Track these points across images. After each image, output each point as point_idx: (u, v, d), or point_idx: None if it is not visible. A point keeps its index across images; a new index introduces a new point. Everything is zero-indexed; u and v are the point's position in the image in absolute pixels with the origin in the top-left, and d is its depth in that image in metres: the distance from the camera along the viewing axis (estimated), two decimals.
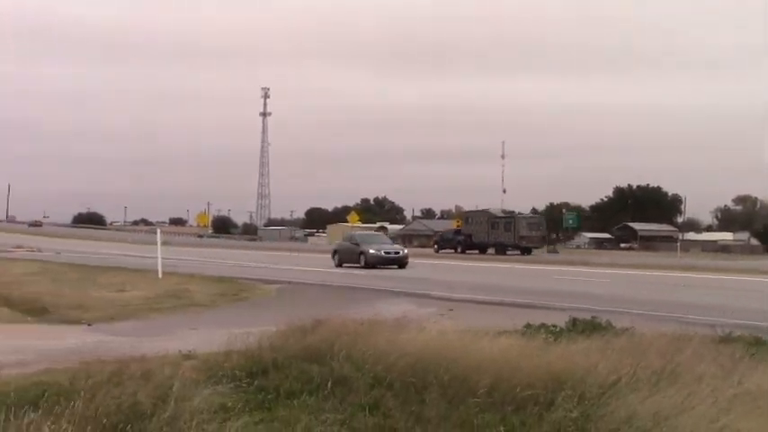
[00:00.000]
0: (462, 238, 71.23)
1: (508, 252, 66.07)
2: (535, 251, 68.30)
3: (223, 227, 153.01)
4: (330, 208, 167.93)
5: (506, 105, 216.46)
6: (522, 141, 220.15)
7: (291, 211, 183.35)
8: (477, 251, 68.27)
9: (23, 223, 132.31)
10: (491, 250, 67.99)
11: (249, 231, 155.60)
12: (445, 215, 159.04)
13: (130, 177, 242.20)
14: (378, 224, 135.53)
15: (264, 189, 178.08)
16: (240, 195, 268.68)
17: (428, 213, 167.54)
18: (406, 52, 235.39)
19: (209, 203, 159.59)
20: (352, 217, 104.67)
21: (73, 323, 17.88)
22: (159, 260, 29.10)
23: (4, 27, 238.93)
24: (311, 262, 45.50)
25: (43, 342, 13.40)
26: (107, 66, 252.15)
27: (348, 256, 42.18)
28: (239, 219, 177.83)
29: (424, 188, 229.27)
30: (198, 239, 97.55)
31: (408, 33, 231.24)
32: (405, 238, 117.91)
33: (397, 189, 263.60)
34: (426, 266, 42.65)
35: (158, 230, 35.54)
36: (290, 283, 27.49)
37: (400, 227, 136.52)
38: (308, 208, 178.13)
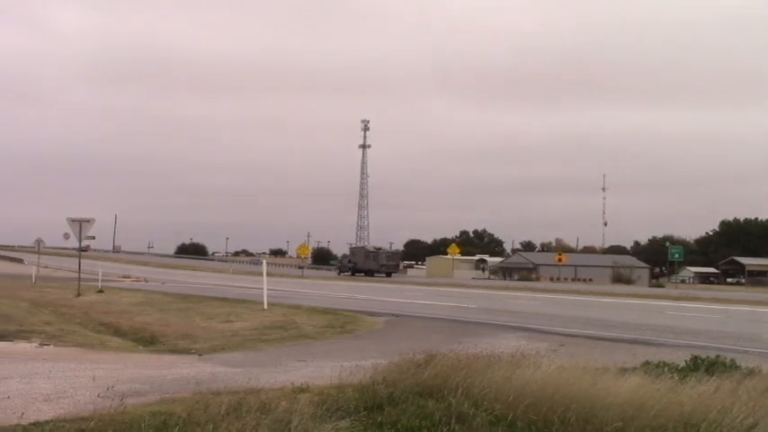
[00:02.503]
0: (351, 265, 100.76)
1: (375, 275, 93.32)
2: (394, 275, 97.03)
3: (323, 258, 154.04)
4: (429, 240, 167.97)
5: (612, 137, 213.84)
6: (627, 173, 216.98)
7: (390, 243, 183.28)
8: (362, 274, 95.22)
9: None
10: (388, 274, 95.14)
11: None
12: (545, 248, 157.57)
13: (232, 209, 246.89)
14: (477, 257, 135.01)
15: (363, 221, 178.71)
16: (340, 227, 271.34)
17: (528, 246, 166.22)
18: (506, 84, 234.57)
19: (308, 234, 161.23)
20: (452, 249, 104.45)
21: (182, 353, 17.98)
22: (265, 291, 29.23)
23: (120, 63, 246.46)
24: (411, 294, 45.25)
25: (156, 372, 13.45)
26: (210, 99, 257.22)
27: None
28: (339, 250, 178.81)
29: (525, 220, 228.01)
30: (298, 270, 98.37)
31: (509, 66, 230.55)
32: (505, 271, 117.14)
33: (496, 221, 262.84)
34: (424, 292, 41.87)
35: (264, 261, 35.82)
36: (395, 315, 27.23)
37: (500, 259, 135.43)
38: (407, 240, 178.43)
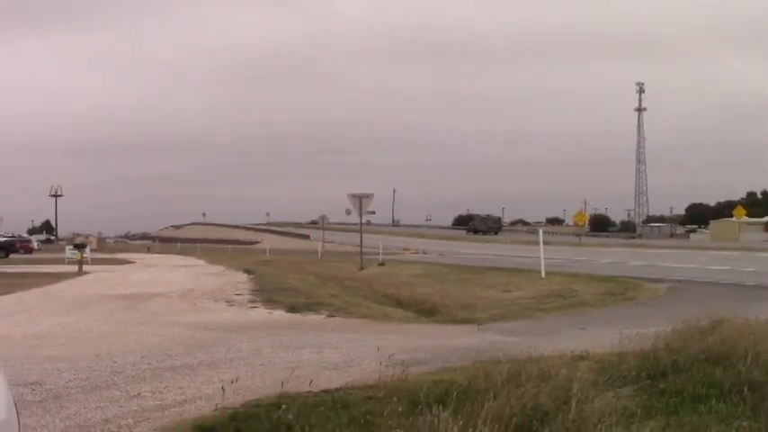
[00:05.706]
0: (473, 226, 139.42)
1: (485, 233, 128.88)
2: (499, 233, 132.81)
3: (600, 225, 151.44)
4: (712, 203, 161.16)
5: None
6: None
7: (671, 208, 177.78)
8: (481, 233, 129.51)
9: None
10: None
11: (627, 229, 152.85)
12: None
13: (507, 179, 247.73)
14: (766, 219, 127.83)
15: (641, 186, 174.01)
16: (617, 194, 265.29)
17: None
18: None
19: (585, 202, 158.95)
20: (738, 212, 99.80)
21: (462, 323, 18.27)
22: (542, 260, 29.13)
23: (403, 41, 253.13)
24: (695, 259, 43.53)
25: (437, 342, 13.75)
26: (489, 70, 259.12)
27: None
28: (617, 217, 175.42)
29: None
30: (575, 238, 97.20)
31: None
32: None
33: None
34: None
35: (540, 231, 35.68)
36: (678, 281, 26.26)
37: None
38: (688, 204, 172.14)
